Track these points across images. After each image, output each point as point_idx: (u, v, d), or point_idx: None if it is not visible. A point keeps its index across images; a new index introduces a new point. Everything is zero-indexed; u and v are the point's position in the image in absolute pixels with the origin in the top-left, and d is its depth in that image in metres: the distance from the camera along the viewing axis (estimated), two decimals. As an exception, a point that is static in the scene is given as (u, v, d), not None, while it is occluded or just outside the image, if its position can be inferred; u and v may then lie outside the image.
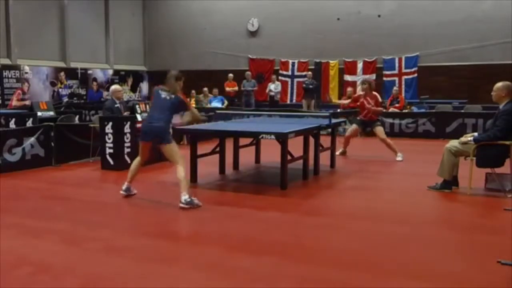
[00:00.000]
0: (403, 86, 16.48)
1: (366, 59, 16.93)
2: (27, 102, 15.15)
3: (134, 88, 20.67)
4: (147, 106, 8.27)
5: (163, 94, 5.77)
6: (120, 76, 19.96)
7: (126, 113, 8.78)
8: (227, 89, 16.60)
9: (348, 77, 17.10)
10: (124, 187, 6.05)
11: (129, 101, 14.59)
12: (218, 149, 7.64)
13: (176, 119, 6.13)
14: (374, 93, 9.10)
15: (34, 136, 8.06)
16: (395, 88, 14.99)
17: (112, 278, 3.59)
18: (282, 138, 6.29)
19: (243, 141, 8.22)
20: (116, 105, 8.62)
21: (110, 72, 19.59)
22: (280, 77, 17.80)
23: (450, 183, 6.26)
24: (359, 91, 9.36)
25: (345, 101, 9.25)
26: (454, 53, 15.70)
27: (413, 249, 4.23)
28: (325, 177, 7.52)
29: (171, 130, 5.81)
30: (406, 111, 13.63)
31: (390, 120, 12.90)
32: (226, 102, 15.87)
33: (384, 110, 13.72)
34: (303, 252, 4.16)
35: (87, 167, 8.27)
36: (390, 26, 16.42)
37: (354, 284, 3.49)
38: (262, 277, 3.60)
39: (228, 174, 7.70)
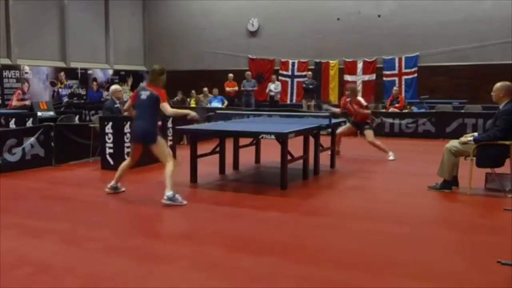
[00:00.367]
0: (403, 86, 16.48)
1: (366, 59, 16.93)
2: (27, 102, 15.16)
3: (134, 88, 20.60)
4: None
5: (142, 95, 5.76)
6: (120, 76, 19.96)
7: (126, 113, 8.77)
8: (227, 89, 16.60)
9: (348, 77, 17.09)
10: (109, 185, 6.11)
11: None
12: (218, 149, 7.64)
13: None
14: (358, 98, 9.45)
15: (34, 136, 8.06)
16: (395, 88, 14.99)
17: (112, 278, 3.59)
18: (282, 138, 6.29)
19: (243, 141, 8.22)
20: (116, 105, 8.62)
21: (110, 72, 19.59)
22: (280, 77, 17.80)
23: (450, 183, 6.26)
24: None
25: (337, 110, 9.54)
26: (454, 53, 15.70)
27: (413, 249, 4.23)
28: (325, 177, 7.52)
29: (157, 131, 5.78)
30: (406, 111, 13.63)
31: (390, 120, 12.91)
32: (226, 102, 15.87)
33: (384, 110, 13.78)
34: (303, 252, 4.16)
35: (87, 167, 8.27)
36: (390, 26, 16.42)
37: (354, 284, 3.49)
38: (262, 277, 3.60)
39: (228, 174, 7.70)
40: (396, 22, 16.37)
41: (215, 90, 16.31)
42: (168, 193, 5.46)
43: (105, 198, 6.17)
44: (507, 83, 6.05)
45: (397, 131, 12.77)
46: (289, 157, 6.74)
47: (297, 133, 6.60)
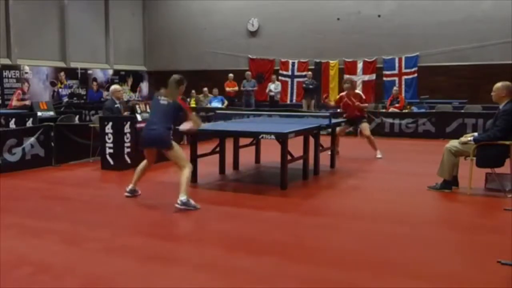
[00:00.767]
0: (403, 86, 16.49)
1: (366, 59, 16.93)
2: (27, 102, 15.16)
3: (134, 88, 20.68)
4: (147, 106, 8.26)
5: (162, 100, 5.73)
6: (120, 76, 19.97)
7: (126, 113, 8.78)
8: (227, 89, 16.61)
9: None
10: (128, 188, 6.06)
11: (129, 101, 14.59)
12: (218, 149, 7.64)
13: (184, 125, 6.02)
14: (357, 91, 9.35)
15: (34, 136, 8.06)
16: (395, 88, 14.99)
17: (112, 278, 3.59)
18: (282, 138, 6.28)
19: (243, 141, 8.22)
20: (116, 105, 8.62)
21: (110, 72, 19.59)
22: (280, 77, 17.80)
23: (450, 183, 6.26)
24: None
25: (331, 102, 9.44)
26: (454, 53, 15.71)
27: (413, 249, 4.23)
28: (325, 177, 7.52)
29: (171, 136, 5.75)
30: (406, 111, 13.62)
31: (390, 120, 12.91)
32: (226, 102, 15.87)
33: (384, 110, 13.78)
34: (303, 252, 4.16)
35: (87, 167, 8.27)
36: (390, 26, 16.42)
37: (354, 284, 3.49)
38: (262, 277, 3.60)
39: (228, 174, 7.70)
40: (396, 22, 16.37)
41: (215, 90, 16.31)
42: (182, 197, 5.42)
43: (105, 198, 6.18)
44: (507, 83, 6.05)
45: (397, 131, 12.77)
46: (289, 157, 6.74)
47: (297, 133, 6.60)
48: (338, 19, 17.25)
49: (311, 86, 15.86)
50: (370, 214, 5.34)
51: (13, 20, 15.85)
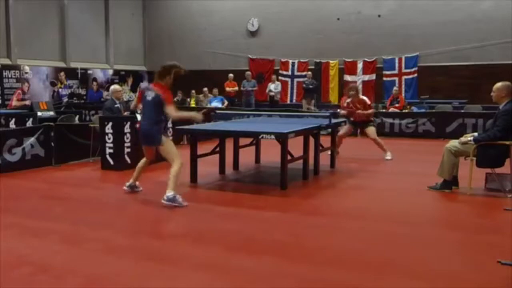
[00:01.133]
0: (403, 86, 16.48)
1: (366, 59, 16.93)
2: (27, 102, 15.17)
3: (134, 88, 20.64)
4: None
5: (148, 95, 5.72)
6: (120, 76, 19.96)
7: (126, 113, 8.78)
8: (227, 89, 16.60)
9: (348, 77, 17.08)
10: (127, 183, 6.14)
11: (129, 101, 14.57)
12: (218, 149, 7.64)
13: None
14: (362, 97, 9.29)
15: (34, 136, 8.06)
16: (395, 88, 14.98)
17: (112, 278, 3.59)
18: (282, 138, 6.29)
19: (243, 141, 8.22)
20: (116, 105, 8.62)
21: (110, 72, 19.59)
22: (280, 77, 17.80)
23: (450, 183, 6.26)
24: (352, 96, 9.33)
25: (343, 111, 9.32)
26: (454, 53, 15.70)
27: (413, 249, 4.23)
28: (325, 177, 7.52)
29: (160, 131, 5.75)
30: (406, 111, 13.62)
31: (390, 120, 12.90)
32: (226, 102, 15.87)
33: (384, 110, 13.78)
34: (303, 252, 4.16)
35: (87, 167, 8.27)
36: (390, 26, 16.42)
37: (354, 284, 3.49)
38: (262, 277, 3.60)
39: (228, 174, 7.70)
40: (396, 22, 16.37)
41: (215, 90, 16.31)
42: (169, 193, 5.44)
43: (105, 198, 6.18)
44: (508, 83, 6.04)
45: (397, 131, 12.76)
46: (289, 157, 6.74)
47: (297, 133, 6.60)
48: (338, 19, 17.25)
49: (311, 86, 15.85)
50: (370, 214, 5.34)
51: (13, 20, 15.86)
